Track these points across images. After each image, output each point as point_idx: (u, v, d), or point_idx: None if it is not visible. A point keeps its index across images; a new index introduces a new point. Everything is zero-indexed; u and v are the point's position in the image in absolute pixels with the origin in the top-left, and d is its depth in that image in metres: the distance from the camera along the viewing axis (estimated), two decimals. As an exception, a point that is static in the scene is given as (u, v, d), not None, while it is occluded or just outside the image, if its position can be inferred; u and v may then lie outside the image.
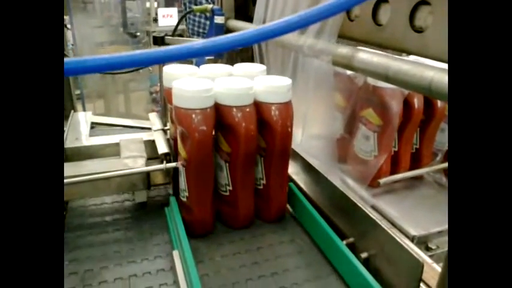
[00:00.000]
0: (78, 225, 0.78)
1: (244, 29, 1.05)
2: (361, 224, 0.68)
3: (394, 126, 0.86)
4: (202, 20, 2.73)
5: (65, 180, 0.71)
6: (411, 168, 0.95)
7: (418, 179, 0.97)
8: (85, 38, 3.63)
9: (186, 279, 0.61)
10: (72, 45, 3.32)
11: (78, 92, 3.23)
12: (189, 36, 2.79)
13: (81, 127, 1.07)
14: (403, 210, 0.85)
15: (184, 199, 0.74)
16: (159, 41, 1.25)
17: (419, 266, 0.55)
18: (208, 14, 1.20)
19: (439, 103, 0.90)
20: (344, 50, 0.68)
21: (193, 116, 0.67)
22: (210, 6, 1.18)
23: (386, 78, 0.57)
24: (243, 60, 0.96)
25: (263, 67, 0.85)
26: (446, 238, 0.73)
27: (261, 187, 0.79)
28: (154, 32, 3.49)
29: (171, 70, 0.80)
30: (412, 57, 0.70)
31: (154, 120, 0.97)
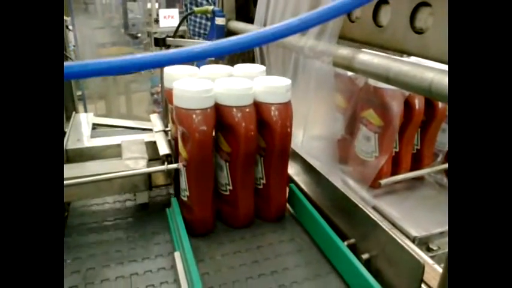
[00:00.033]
0: (80, 224, 0.78)
1: (245, 30, 1.05)
2: (362, 225, 0.68)
3: (395, 127, 0.86)
4: (203, 21, 2.73)
5: (67, 182, 0.71)
6: (412, 169, 0.95)
7: (419, 179, 0.97)
8: (86, 39, 3.63)
9: (186, 277, 0.61)
10: (74, 46, 3.33)
11: (79, 93, 3.24)
12: (190, 37, 2.80)
13: (82, 128, 1.07)
14: (404, 211, 0.85)
15: (185, 198, 0.75)
16: (160, 42, 1.26)
17: (420, 267, 0.55)
18: (209, 15, 1.21)
19: (440, 104, 0.90)
20: (345, 51, 0.68)
21: (194, 116, 0.67)
22: (211, 7, 1.18)
23: (387, 79, 0.57)
24: (244, 61, 0.96)
25: (263, 68, 0.85)
26: (447, 239, 0.73)
27: (261, 187, 0.79)
28: (155, 33, 3.50)
29: (171, 71, 0.80)
30: (413, 59, 0.70)
31: (155, 121, 0.97)
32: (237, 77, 0.80)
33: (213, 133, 0.71)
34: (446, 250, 0.73)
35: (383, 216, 0.84)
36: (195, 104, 0.67)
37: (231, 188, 0.76)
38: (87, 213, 0.82)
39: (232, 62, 0.88)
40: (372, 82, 0.87)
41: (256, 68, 0.85)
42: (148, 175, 0.79)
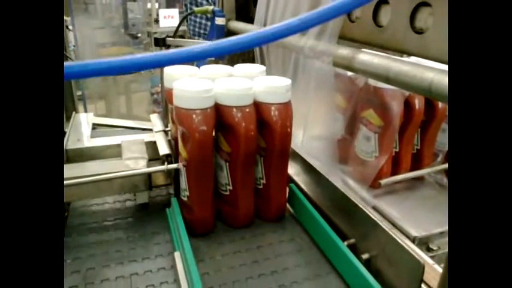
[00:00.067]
0: (80, 224, 0.79)
1: (245, 30, 1.05)
2: (362, 225, 0.68)
3: (395, 127, 0.86)
4: (203, 21, 2.73)
5: (67, 182, 0.71)
6: (412, 169, 0.95)
7: (419, 179, 0.97)
8: (86, 39, 3.63)
9: (186, 277, 0.61)
10: (74, 46, 3.33)
11: (79, 93, 3.24)
12: (190, 37, 2.80)
13: (82, 128, 1.07)
14: (404, 211, 0.85)
15: (185, 198, 0.75)
16: (160, 42, 1.26)
17: (420, 267, 0.55)
18: (209, 15, 1.21)
19: (440, 104, 0.90)
20: (345, 51, 0.68)
21: (194, 116, 0.67)
22: (210, 7, 1.18)
23: (387, 79, 0.57)
24: (244, 61, 0.96)
25: (263, 68, 0.85)
26: (447, 239, 0.73)
27: (261, 187, 0.79)
28: (155, 33, 3.50)
29: (171, 71, 0.80)
30: (413, 59, 0.70)
31: (155, 121, 0.97)
32: (237, 77, 0.80)
33: (213, 133, 0.71)
34: (446, 250, 0.73)
35: (383, 216, 0.84)
36: (195, 104, 0.67)
37: (231, 188, 0.76)
38: (87, 213, 0.82)
39: (232, 62, 0.88)
40: (372, 82, 0.87)
41: (256, 68, 0.85)
42: (148, 175, 0.79)
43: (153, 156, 0.87)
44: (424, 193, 0.94)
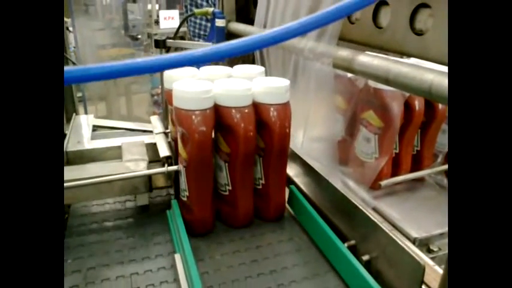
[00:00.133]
0: (80, 225, 0.79)
1: (246, 32, 1.05)
2: (362, 226, 0.68)
3: (395, 128, 0.87)
4: (204, 22, 2.73)
5: (67, 184, 0.71)
6: (412, 170, 0.95)
7: (420, 180, 0.97)
8: (87, 40, 3.64)
9: (186, 277, 0.62)
10: (74, 47, 3.33)
11: (80, 94, 3.24)
12: (190, 39, 2.80)
13: (83, 130, 1.07)
14: (405, 212, 0.85)
15: (185, 199, 0.75)
16: (160, 44, 1.26)
17: (420, 268, 0.55)
18: (209, 17, 1.21)
19: (440, 105, 0.90)
20: (344, 52, 0.68)
21: (193, 117, 0.68)
22: (211, 9, 1.19)
23: (387, 81, 0.57)
24: (244, 63, 0.96)
25: (262, 68, 0.86)
26: (447, 240, 0.73)
27: (260, 187, 0.80)
28: (156, 34, 3.50)
29: (171, 72, 0.80)
30: (412, 60, 0.70)
31: (155, 123, 0.97)
32: (236, 78, 0.80)
33: (213, 134, 0.71)
34: (447, 251, 0.73)
35: (383, 217, 0.84)
36: (194, 104, 0.68)
37: (230, 188, 0.76)
38: (88, 214, 0.83)
39: (232, 63, 0.88)
40: (372, 83, 0.87)
41: (255, 69, 0.85)
42: (149, 177, 0.79)
43: (154, 158, 0.87)
44: (424, 194, 0.94)
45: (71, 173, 0.75)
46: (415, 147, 0.96)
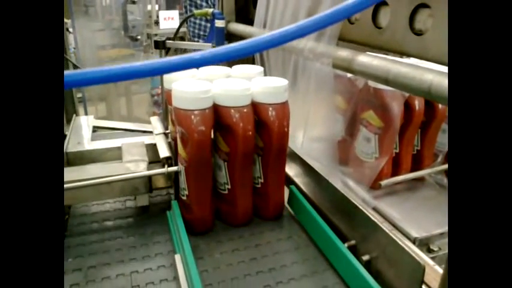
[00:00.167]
0: (81, 224, 0.79)
1: (245, 32, 1.05)
2: (362, 226, 0.68)
3: (395, 128, 0.87)
4: (203, 23, 2.74)
5: (68, 185, 0.71)
6: (412, 170, 0.95)
7: (420, 180, 0.97)
8: (87, 41, 3.64)
9: (186, 275, 0.62)
10: (74, 48, 3.33)
11: (80, 95, 3.24)
12: (190, 39, 2.80)
13: (83, 131, 1.08)
14: (405, 212, 0.85)
15: (184, 198, 0.76)
16: (160, 45, 1.26)
17: (420, 268, 0.55)
18: (208, 18, 1.21)
19: (440, 104, 0.90)
20: (344, 53, 0.68)
21: (193, 116, 0.68)
22: (210, 10, 1.19)
23: (386, 81, 0.57)
24: (243, 63, 0.96)
25: (260, 68, 0.86)
26: (447, 240, 0.73)
27: (259, 186, 0.80)
28: (155, 35, 3.50)
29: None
30: (412, 60, 0.70)
31: (155, 124, 0.97)
32: (235, 78, 0.81)
33: (212, 133, 0.72)
34: (447, 251, 0.73)
35: (383, 217, 0.84)
36: (193, 104, 0.68)
37: (229, 187, 0.76)
38: (88, 213, 0.83)
39: (231, 63, 0.88)
40: (372, 83, 0.87)
41: (253, 69, 0.85)
42: (149, 178, 0.79)
43: (154, 158, 0.87)
44: (424, 194, 0.94)
45: (71, 174, 0.75)
46: (415, 147, 0.96)
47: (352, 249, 0.68)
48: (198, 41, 2.71)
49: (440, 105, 0.90)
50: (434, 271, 0.65)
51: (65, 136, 1.01)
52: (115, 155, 0.91)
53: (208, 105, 0.69)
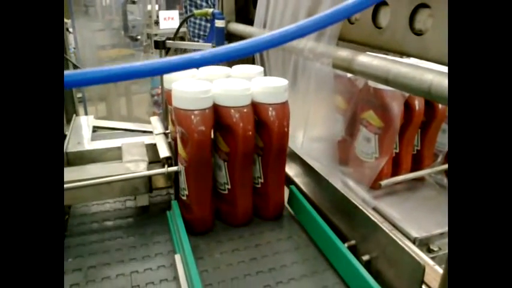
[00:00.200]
0: (81, 224, 0.79)
1: (245, 32, 1.05)
2: (362, 226, 0.68)
3: (395, 128, 0.87)
4: (203, 23, 2.74)
5: (68, 185, 0.71)
6: (412, 170, 0.95)
7: (420, 180, 0.97)
8: (87, 41, 3.64)
9: (186, 275, 0.62)
10: (74, 48, 3.33)
11: (80, 95, 3.24)
12: (190, 39, 2.80)
13: (83, 131, 1.08)
14: (405, 212, 0.85)
15: (185, 198, 0.76)
16: (160, 44, 1.26)
17: (420, 268, 0.55)
18: (208, 18, 1.21)
19: (440, 104, 0.90)
20: (344, 53, 0.68)
21: (193, 116, 0.68)
22: (210, 10, 1.19)
23: (386, 81, 0.57)
24: (243, 63, 0.96)
25: (260, 68, 0.86)
26: (447, 240, 0.73)
27: (259, 186, 0.80)
28: (155, 34, 3.50)
29: (171, 73, 0.80)
30: (412, 60, 0.70)
31: (155, 124, 0.97)
32: (235, 78, 0.81)
33: (212, 133, 0.72)
34: (447, 251, 0.73)
35: (383, 217, 0.84)
36: (193, 104, 0.68)
37: (229, 187, 0.76)
38: (88, 213, 0.83)
39: (232, 63, 0.88)
40: (372, 83, 0.87)
41: (253, 69, 0.85)
42: (149, 178, 0.79)
43: (154, 158, 0.87)
44: (424, 194, 0.94)
45: (71, 174, 0.75)
46: (415, 147, 0.96)
47: (352, 249, 0.68)
48: (198, 41, 2.71)
49: (440, 105, 0.90)
50: (434, 271, 0.65)
51: (65, 136, 1.01)
52: (115, 155, 0.91)
53: (208, 105, 0.69)
